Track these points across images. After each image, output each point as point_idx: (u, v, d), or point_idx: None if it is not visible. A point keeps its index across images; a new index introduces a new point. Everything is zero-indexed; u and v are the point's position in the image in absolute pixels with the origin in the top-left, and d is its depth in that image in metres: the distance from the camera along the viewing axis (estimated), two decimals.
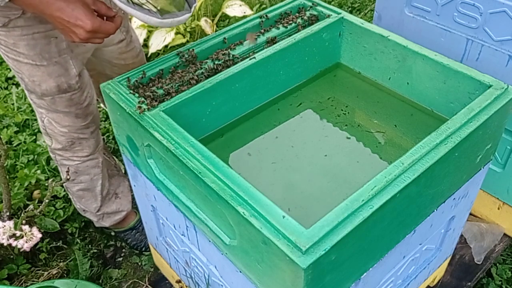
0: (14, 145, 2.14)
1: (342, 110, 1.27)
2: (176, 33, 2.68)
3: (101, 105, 2.07)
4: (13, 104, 2.39)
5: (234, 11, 2.71)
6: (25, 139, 2.16)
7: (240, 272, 1.00)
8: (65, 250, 1.77)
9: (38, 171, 1.96)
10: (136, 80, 1.12)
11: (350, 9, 3.14)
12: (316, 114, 1.27)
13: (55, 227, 1.77)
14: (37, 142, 2.15)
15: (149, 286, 1.68)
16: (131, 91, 1.09)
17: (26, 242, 1.28)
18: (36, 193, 1.92)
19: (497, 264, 1.71)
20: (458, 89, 1.13)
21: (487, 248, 1.70)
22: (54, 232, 1.78)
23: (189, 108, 1.10)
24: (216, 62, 1.17)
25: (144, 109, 1.04)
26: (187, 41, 2.72)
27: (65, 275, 1.69)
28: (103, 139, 2.01)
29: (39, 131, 2.18)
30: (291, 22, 1.30)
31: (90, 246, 1.80)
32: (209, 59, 1.19)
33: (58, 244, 1.78)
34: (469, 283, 1.64)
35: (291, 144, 1.19)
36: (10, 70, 2.54)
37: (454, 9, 1.44)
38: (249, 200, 0.85)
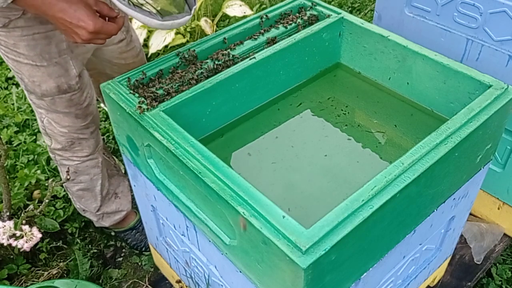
0: (14, 145, 2.15)
1: (342, 110, 1.27)
2: (176, 33, 2.68)
3: (101, 105, 2.07)
4: (13, 104, 2.39)
5: (234, 11, 2.71)
6: (25, 139, 2.16)
7: (240, 272, 1.00)
8: (65, 250, 1.77)
9: (38, 171, 1.96)
10: (136, 80, 1.12)
11: (350, 9, 3.14)
12: (316, 114, 1.27)
13: (55, 227, 1.77)
14: (37, 142, 2.15)
15: (149, 286, 1.68)
16: (131, 91, 1.09)
17: (26, 242, 1.28)
18: (36, 193, 1.92)
19: (497, 264, 1.71)
20: (458, 89, 1.13)
21: (487, 248, 1.70)
22: (54, 232, 1.78)
23: (189, 108, 1.10)
24: (216, 62, 1.17)
25: (144, 109, 1.04)
26: (187, 41, 2.72)
27: (65, 275, 1.69)
28: (103, 139, 2.01)
29: (39, 131, 2.18)
30: (291, 22, 1.30)
31: (90, 246, 1.80)
32: (209, 59, 1.19)
33: (58, 244, 1.78)
34: (469, 283, 1.64)
35: (291, 144, 1.19)
36: (10, 70, 2.53)
37: (454, 9, 1.44)
38: (249, 200, 0.85)
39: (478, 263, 1.67)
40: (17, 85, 2.50)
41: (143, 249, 1.78)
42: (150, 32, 2.63)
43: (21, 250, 1.34)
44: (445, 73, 1.14)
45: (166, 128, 0.99)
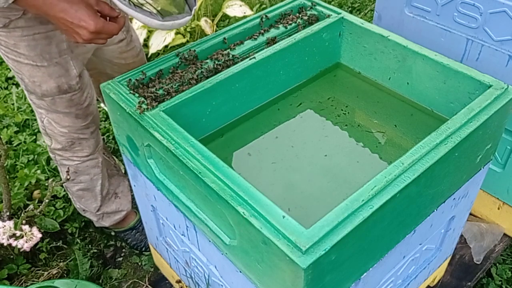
0: (14, 145, 2.15)
1: (342, 110, 1.27)
2: (176, 33, 2.68)
3: (101, 105, 2.07)
4: (13, 104, 2.39)
5: (234, 11, 2.71)
6: (25, 139, 2.16)
7: (240, 272, 1.00)
8: (65, 250, 1.77)
9: (38, 171, 1.96)
10: (136, 80, 1.12)
11: (350, 9, 3.14)
12: (316, 114, 1.27)
13: (55, 227, 1.77)
14: (37, 142, 2.15)
15: (149, 286, 1.68)
16: (131, 91, 1.09)
17: (26, 242, 1.28)
18: (36, 193, 1.92)
19: (497, 264, 1.71)
20: (458, 89, 1.13)
21: (487, 248, 1.70)
22: (54, 232, 1.78)
23: (189, 108, 1.10)
24: (216, 62, 1.17)
25: (144, 109, 1.04)
26: (187, 41, 2.72)
27: (65, 275, 1.69)
28: (103, 139, 2.01)
29: (39, 131, 2.18)
30: (291, 22, 1.30)
31: (90, 246, 1.80)
32: (209, 59, 1.19)
33: (58, 244, 1.78)
34: (469, 283, 1.64)
35: (291, 144, 1.19)
36: (10, 70, 2.54)
37: (454, 9, 1.44)
38: (249, 200, 0.85)
39: (478, 263, 1.67)
40: (17, 85, 2.50)
41: (143, 249, 1.78)
42: (150, 32, 2.63)
43: (21, 250, 1.34)
44: (445, 73, 1.14)
45: (166, 128, 0.99)
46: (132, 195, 1.72)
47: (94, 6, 1.06)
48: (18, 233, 1.28)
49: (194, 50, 1.19)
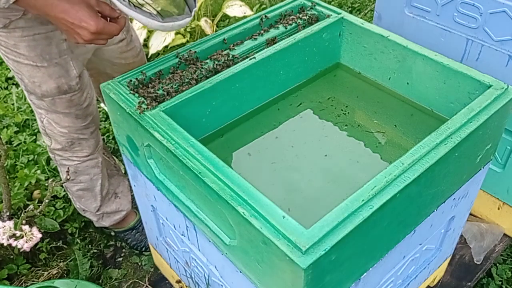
0: (14, 145, 2.15)
1: (342, 110, 1.27)
2: (176, 34, 2.68)
3: (101, 105, 2.07)
4: (13, 104, 2.39)
5: (234, 11, 2.71)
6: (25, 139, 2.16)
7: (240, 272, 1.00)
8: (65, 250, 1.77)
9: (38, 171, 1.96)
10: (137, 80, 1.12)
11: (350, 9, 3.14)
12: (316, 114, 1.27)
13: (55, 227, 1.77)
14: (37, 142, 2.15)
15: (149, 286, 1.68)
16: (131, 91, 1.09)
17: (26, 242, 1.28)
18: (36, 193, 1.92)
19: (497, 264, 1.71)
20: (458, 89, 1.13)
21: (487, 248, 1.70)
22: (54, 232, 1.78)
23: (189, 108, 1.10)
24: (216, 62, 1.17)
25: (144, 109, 1.04)
26: (187, 41, 2.72)
27: (65, 275, 1.69)
28: (103, 139, 2.01)
29: (39, 131, 2.18)
30: (291, 22, 1.30)
31: (90, 246, 1.81)
32: (209, 60, 1.19)
33: (58, 244, 1.78)
34: (469, 283, 1.64)
35: (291, 144, 1.19)
36: (10, 70, 2.54)
37: (454, 9, 1.44)
38: (249, 200, 0.85)
39: (478, 263, 1.67)
40: (17, 85, 2.50)
41: (143, 249, 1.78)
42: (150, 32, 2.63)
43: (21, 250, 1.34)
44: (445, 73, 1.14)
45: (166, 128, 0.99)
46: (132, 195, 1.72)
47: (95, 6, 1.06)
48: (18, 233, 1.29)
49: (194, 51, 1.19)
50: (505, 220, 1.72)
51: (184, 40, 2.69)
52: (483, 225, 1.74)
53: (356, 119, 1.25)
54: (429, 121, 1.19)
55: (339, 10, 1.32)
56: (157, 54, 2.62)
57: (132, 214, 1.80)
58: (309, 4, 1.36)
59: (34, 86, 1.30)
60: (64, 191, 1.89)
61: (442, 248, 1.33)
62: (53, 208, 1.84)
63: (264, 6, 3.14)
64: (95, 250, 1.79)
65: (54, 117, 1.39)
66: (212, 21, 2.82)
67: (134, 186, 1.33)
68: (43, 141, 2.09)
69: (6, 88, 2.54)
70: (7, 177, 1.56)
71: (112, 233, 1.83)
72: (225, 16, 2.95)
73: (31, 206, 1.38)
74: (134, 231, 1.80)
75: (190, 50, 1.19)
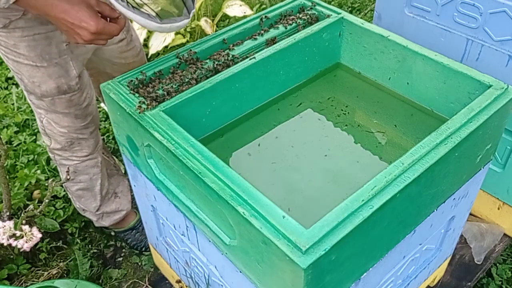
0: (14, 145, 2.15)
1: (342, 110, 1.27)
2: (176, 34, 2.68)
3: (101, 105, 2.07)
4: (13, 104, 2.39)
5: (234, 11, 2.71)
6: (25, 139, 2.16)
7: (240, 272, 1.00)
8: (65, 250, 1.77)
9: (38, 171, 1.96)
10: (137, 80, 1.12)
11: (350, 9, 3.14)
12: (316, 114, 1.27)
13: (55, 227, 1.77)
14: (37, 142, 2.15)
15: (149, 286, 1.68)
16: (131, 91, 1.09)
17: (26, 242, 1.28)
18: (36, 193, 1.92)
19: (497, 264, 1.71)
20: (458, 89, 1.13)
21: (487, 248, 1.70)
22: (54, 232, 1.78)
23: (189, 108, 1.10)
24: (216, 62, 1.17)
25: (144, 109, 1.04)
26: (187, 41, 2.72)
27: (65, 275, 1.69)
28: (103, 139, 2.01)
29: (39, 131, 2.18)
30: (291, 22, 1.30)
31: (90, 246, 1.81)
32: (209, 59, 1.19)
33: (58, 244, 1.78)
34: (469, 283, 1.64)
35: (291, 144, 1.19)
36: (10, 70, 2.54)
37: (454, 9, 1.44)
38: (249, 200, 0.85)
39: (478, 263, 1.67)
40: (17, 85, 2.50)
41: (143, 249, 1.78)
42: (150, 32, 2.63)
43: (21, 250, 1.34)
44: (445, 73, 1.14)
45: (166, 128, 0.99)
46: (132, 195, 1.72)
47: (95, 7, 1.06)
48: (18, 233, 1.29)
49: (194, 51, 1.19)
50: (505, 220, 1.72)
51: (184, 40, 2.69)
52: (483, 225, 1.74)
53: (356, 119, 1.25)
54: (429, 121, 1.19)
55: (339, 10, 1.32)
56: (157, 54, 2.62)
57: (132, 214, 1.80)
58: (309, 4, 1.36)
59: (33, 86, 1.30)
60: (64, 191, 1.89)
61: (442, 248, 1.33)
62: (53, 208, 1.84)
63: (264, 6, 3.14)
64: (95, 250, 1.79)
65: (54, 117, 1.39)
66: (212, 21, 2.82)
67: (134, 186, 1.33)
68: (43, 141, 2.08)
69: (6, 88, 2.54)
70: (7, 177, 1.56)
71: (112, 233, 1.83)
72: (225, 16, 2.95)
73: (31, 206, 1.38)
74: (134, 231, 1.80)
75: (190, 50, 1.19)
